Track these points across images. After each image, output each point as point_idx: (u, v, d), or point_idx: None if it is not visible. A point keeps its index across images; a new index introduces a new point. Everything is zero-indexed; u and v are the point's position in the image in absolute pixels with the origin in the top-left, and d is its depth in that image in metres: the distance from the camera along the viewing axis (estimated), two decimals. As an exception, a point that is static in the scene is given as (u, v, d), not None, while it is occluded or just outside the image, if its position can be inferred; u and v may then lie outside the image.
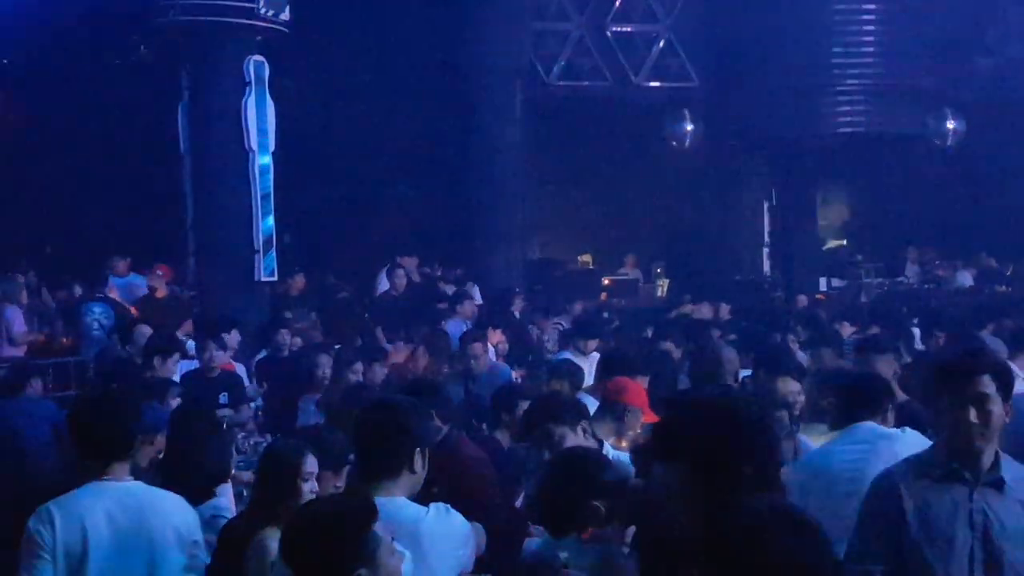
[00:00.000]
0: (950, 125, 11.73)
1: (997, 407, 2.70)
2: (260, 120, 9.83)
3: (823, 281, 11.72)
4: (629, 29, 12.64)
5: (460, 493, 3.61)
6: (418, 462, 3.02)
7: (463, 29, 11.33)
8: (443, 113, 11.93)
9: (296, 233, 11.28)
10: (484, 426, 5.40)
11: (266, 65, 9.39)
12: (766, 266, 13.42)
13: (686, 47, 12.62)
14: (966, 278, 11.59)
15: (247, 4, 9.53)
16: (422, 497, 3.08)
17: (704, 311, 9.83)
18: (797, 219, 12.96)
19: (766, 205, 13.16)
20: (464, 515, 3.13)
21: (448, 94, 11.65)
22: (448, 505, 3.08)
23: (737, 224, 13.62)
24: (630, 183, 13.69)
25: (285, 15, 9.28)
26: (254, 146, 9.75)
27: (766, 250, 13.37)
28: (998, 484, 2.71)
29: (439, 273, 11.30)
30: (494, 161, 11.88)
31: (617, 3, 12.48)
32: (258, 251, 9.89)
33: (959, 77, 11.90)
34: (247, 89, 9.65)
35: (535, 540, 3.17)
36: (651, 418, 4.35)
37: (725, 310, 9.74)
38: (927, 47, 11.69)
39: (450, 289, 10.36)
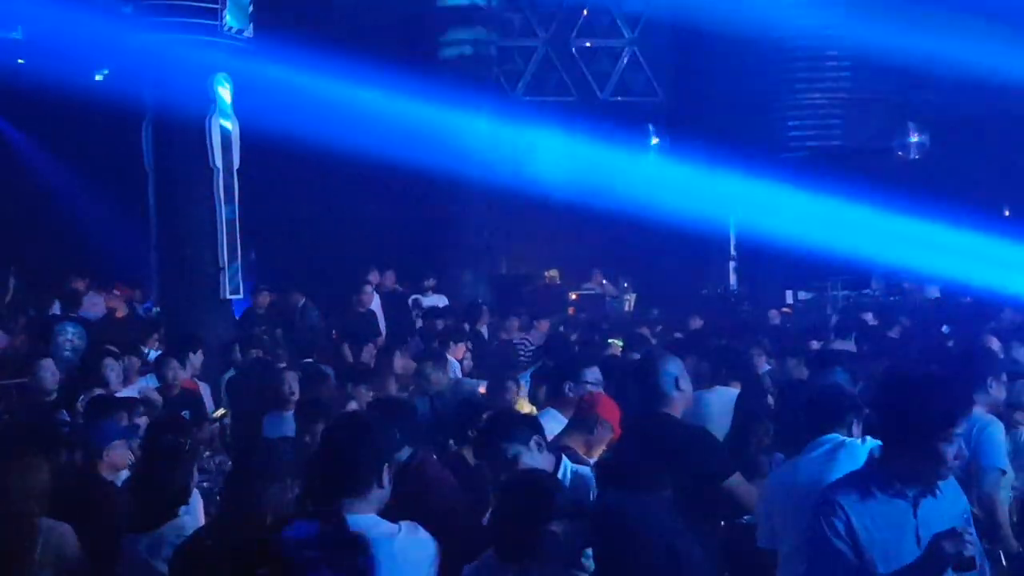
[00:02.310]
0: (914, 138, 12.12)
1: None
2: (224, 137, 9.83)
3: (789, 294, 12.01)
4: (589, 44, 12.84)
5: (426, 516, 3.53)
6: (385, 477, 3.06)
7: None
8: (417, 132, 11.80)
9: (263, 251, 11.30)
10: (451, 442, 5.34)
11: (229, 83, 9.43)
12: (732, 279, 13.67)
13: (651, 63, 12.84)
14: (933, 290, 11.87)
15: (210, 22, 9.57)
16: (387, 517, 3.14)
17: (696, 323, 9.94)
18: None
19: (730, 222, 13.32)
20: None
21: (419, 112, 11.66)
22: (417, 524, 3.09)
23: (704, 238, 13.71)
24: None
25: (249, 32, 9.36)
26: (218, 163, 9.77)
27: (732, 264, 13.60)
28: (933, 492, 2.83)
29: (403, 290, 11.29)
30: (466, 173, 11.96)
31: (583, 16, 12.67)
32: (223, 268, 9.85)
33: (923, 91, 12.28)
34: (211, 107, 9.67)
35: (472, 565, 3.17)
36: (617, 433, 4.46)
37: (698, 323, 9.79)
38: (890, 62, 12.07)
39: (428, 298, 10.52)
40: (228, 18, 9.83)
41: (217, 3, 9.63)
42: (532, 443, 3.79)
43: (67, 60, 12.13)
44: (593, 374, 5.22)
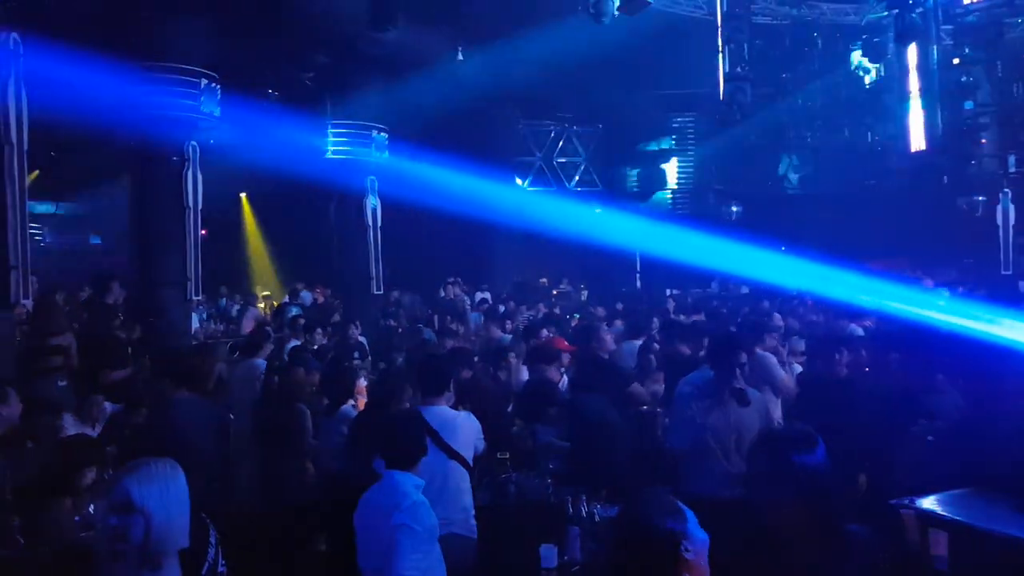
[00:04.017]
0: (733, 208, 18.50)
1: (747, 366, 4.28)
2: (373, 209, 13.65)
3: (668, 291, 16.26)
4: (564, 160, 19.11)
5: (474, 405, 4.88)
6: (452, 387, 4.27)
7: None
8: (470, 202, 15.39)
9: (392, 266, 14.29)
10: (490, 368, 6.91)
11: (375, 179, 12.37)
12: (638, 282, 19.03)
13: (596, 169, 19.08)
14: (744, 289, 16.53)
15: (369, 149, 13.61)
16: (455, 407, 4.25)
17: (600, 312, 12.28)
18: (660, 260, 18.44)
19: (637, 251, 18.78)
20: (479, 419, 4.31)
21: (472, 193, 15.58)
22: (470, 413, 4.31)
23: (622, 259, 18.68)
24: (568, 238, 17.11)
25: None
26: (369, 223, 13.70)
27: (637, 273, 18.95)
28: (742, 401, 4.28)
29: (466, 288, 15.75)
30: (498, 227, 16.29)
31: (559, 146, 19.06)
32: (372, 277, 13.83)
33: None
34: (367, 193, 13.75)
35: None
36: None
37: (620, 306, 12.64)
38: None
39: (482, 294, 15.06)
40: (376, 151, 13.90)
41: (371, 144, 13.72)
42: (555, 367, 5.38)
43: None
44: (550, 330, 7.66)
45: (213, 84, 10.52)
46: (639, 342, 7.44)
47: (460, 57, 14.46)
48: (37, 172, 14.16)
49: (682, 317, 10.08)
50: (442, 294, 15.44)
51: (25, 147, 6.90)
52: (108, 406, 6.06)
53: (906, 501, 2.41)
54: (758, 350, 6.00)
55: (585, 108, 18.71)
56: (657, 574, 2.06)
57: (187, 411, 5.00)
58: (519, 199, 17.64)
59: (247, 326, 11.21)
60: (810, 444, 2.32)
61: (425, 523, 3.26)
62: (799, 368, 6.75)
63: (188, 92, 10.17)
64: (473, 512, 4.14)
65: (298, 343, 8.93)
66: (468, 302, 14.50)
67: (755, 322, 7.43)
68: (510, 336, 9.47)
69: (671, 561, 2.05)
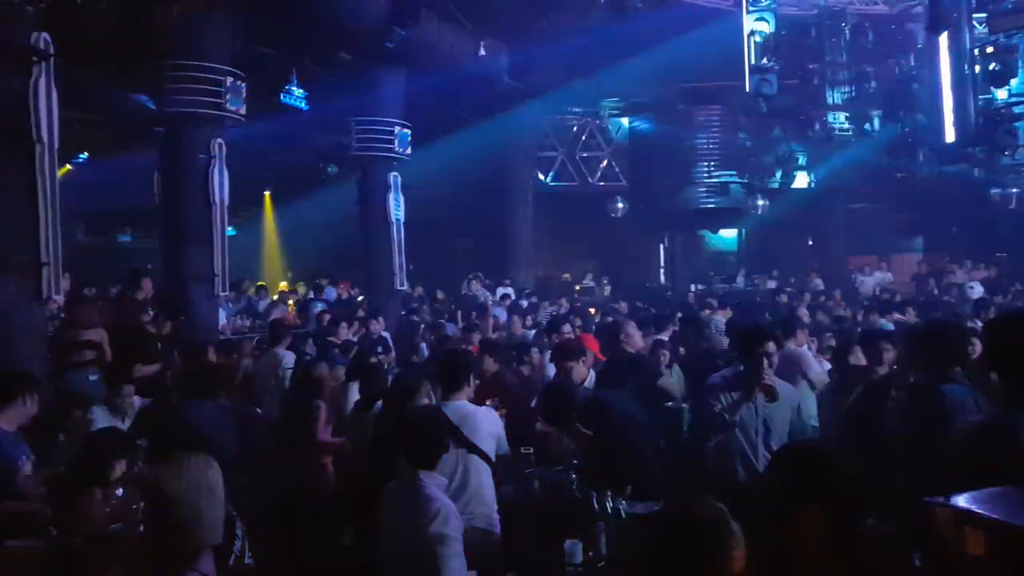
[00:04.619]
0: (760, 202, 18.50)
1: (776, 358, 4.18)
2: (396, 206, 13.67)
3: (692, 286, 16.59)
4: (586, 155, 19.01)
5: (501, 397, 5.35)
6: (472, 381, 4.34)
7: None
8: (489, 196, 17.34)
9: (415, 263, 14.87)
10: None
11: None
12: (662, 277, 19.28)
13: (620, 163, 18.95)
14: (772, 283, 16.97)
15: (394, 155, 13.63)
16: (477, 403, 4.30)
17: (623, 307, 12.67)
18: (683, 252, 19.61)
19: (661, 246, 19.35)
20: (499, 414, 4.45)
21: (491, 188, 17.23)
22: (491, 407, 4.51)
23: (646, 255, 19.48)
24: (590, 234, 18.97)
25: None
26: (392, 219, 13.68)
27: (662, 269, 19.25)
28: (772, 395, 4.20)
29: (488, 282, 16.18)
30: (518, 223, 17.40)
31: (583, 138, 19.10)
32: (395, 273, 13.52)
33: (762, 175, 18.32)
34: (390, 190, 13.71)
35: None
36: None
37: (642, 303, 13.44)
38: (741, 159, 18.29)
39: (504, 289, 15.37)
40: (399, 147, 13.92)
41: (394, 140, 13.77)
42: (580, 363, 5.18)
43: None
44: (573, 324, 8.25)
45: (238, 82, 10.64)
46: (663, 336, 7.50)
47: (482, 52, 14.42)
48: (68, 168, 14.56)
49: (706, 312, 10.01)
50: (464, 289, 15.70)
51: (56, 145, 6.98)
52: (138, 400, 6.14)
53: (940, 499, 2.35)
54: (791, 345, 5.97)
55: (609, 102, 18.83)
56: (708, 568, 2.03)
57: (214, 406, 5.06)
58: (540, 197, 18.01)
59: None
60: (842, 454, 2.29)
61: (458, 526, 3.26)
62: (827, 365, 6.69)
63: (214, 90, 10.28)
64: (496, 507, 4.14)
65: (321, 340, 9.19)
66: (490, 298, 14.60)
67: (786, 317, 7.41)
68: (533, 331, 9.54)
69: (721, 553, 2.03)
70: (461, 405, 4.15)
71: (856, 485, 2.19)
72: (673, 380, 6.55)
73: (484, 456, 4.07)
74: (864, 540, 2.17)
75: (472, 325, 10.08)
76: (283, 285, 17.41)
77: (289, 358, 8.27)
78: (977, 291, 12.74)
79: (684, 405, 5.54)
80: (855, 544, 2.11)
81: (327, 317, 10.51)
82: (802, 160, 17.71)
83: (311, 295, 15.11)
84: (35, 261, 6.85)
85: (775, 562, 2.12)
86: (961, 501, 2.15)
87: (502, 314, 11.57)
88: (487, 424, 4.16)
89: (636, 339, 6.36)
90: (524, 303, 12.79)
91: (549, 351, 6.57)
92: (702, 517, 2.08)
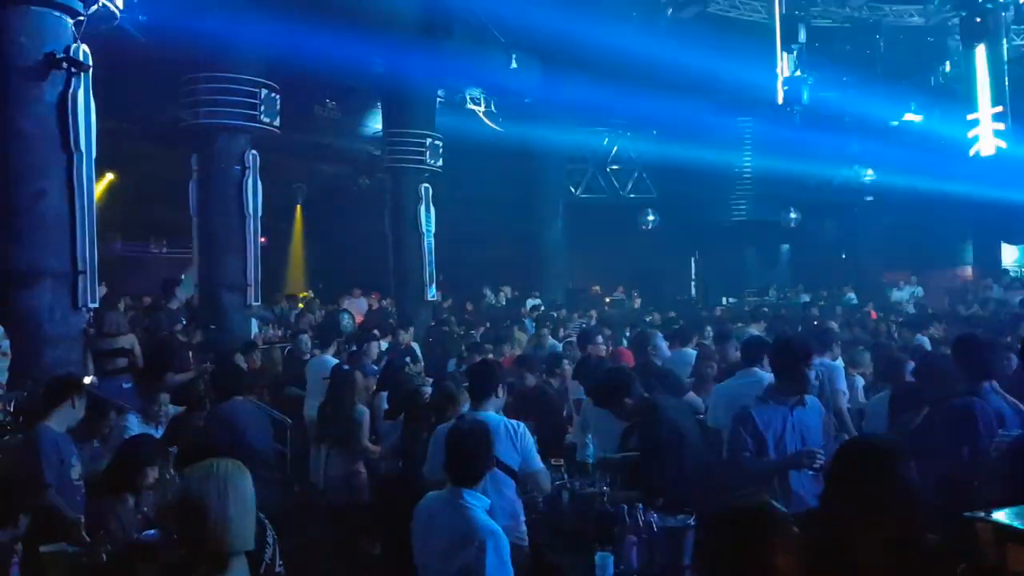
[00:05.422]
0: (792, 215, 18.50)
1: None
2: (427, 219, 13.99)
3: (724, 299, 17.20)
4: (617, 167, 19.19)
5: (525, 410, 5.27)
6: (502, 392, 4.36)
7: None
8: (523, 210, 17.52)
9: (445, 274, 15.20)
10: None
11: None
12: (693, 290, 19.42)
13: (651, 175, 18.95)
14: (805, 296, 17.04)
15: (422, 165, 13.91)
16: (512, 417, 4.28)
17: (656, 318, 12.82)
18: (715, 265, 19.38)
19: (692, 259, 19.40)
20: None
21: (524, 201, 17.37)
22: (520, 422, 4.28)
23: (677, 268, 19.45)
24: (621, 246, 18.94)
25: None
26: (423, 230, 14.02)
27: (693, 282, 19.42)
28: (802, 403, 4.07)
29: (518, 294, 16.68)
30: (550, 235, 17.41)
31: (612, 152, 19.29)
32: (426, 284, 13.95)
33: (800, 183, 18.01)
34: (420, 202, 13.96)
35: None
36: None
37: (672, 315, 13.24)
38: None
39: (533, 300, 15.54)
40: (430, 159, 14.03)
41: (425, 152, 14.05)
42: None
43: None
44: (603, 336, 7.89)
45: (273, 94, 10.77)
46: (694, 351, 7.35)
47: (514, 64, 14.49)
48: (110, 177, 14.79)
49: (739, 325, 9.99)
50: (493, 301, 16.13)
51: (94, 155, 7.03)
52: (171, 407, 6.21)
53: (981, 514, 2.28)
54: (825, 359, 5.97)
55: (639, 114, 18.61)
56: (747, 556, 2.00)
57: (245, 413, 5.13)
58: (571, 209, 17.97)
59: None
60: (904, 455, 2.26)
61: (508, 550, 3.18)
62: (862, 381, 6.53)
63: (248, 101, 10.42)
64: (523, 519, 4.09)
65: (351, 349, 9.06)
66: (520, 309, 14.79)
67: (821, 330, 7.33)
68: (562, 343, 9.49)
69: (761, 541, 2.00)
70: (488, 416, 4.13)
71: (919, 494, 2.16)
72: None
73: (506, 469, 4.02)
74: (923, 552, 2.13)
75: (506, 336, 10.06)
76: (304, 293, 17.62)
77: (330, 363, 8.28)
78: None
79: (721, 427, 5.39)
80: (916, 556, 2.08)
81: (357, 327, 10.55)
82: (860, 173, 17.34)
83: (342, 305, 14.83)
84: (71, 270, 6.90)
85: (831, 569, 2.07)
86: (1002, 516, 2.10)
87: (531, 325, 11.64)
88: (509, 437, 4.12)
89: (663, 349, 6.40)
90: (554, 315, 12.85)
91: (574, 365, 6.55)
92: (744, 505, 2.06)
